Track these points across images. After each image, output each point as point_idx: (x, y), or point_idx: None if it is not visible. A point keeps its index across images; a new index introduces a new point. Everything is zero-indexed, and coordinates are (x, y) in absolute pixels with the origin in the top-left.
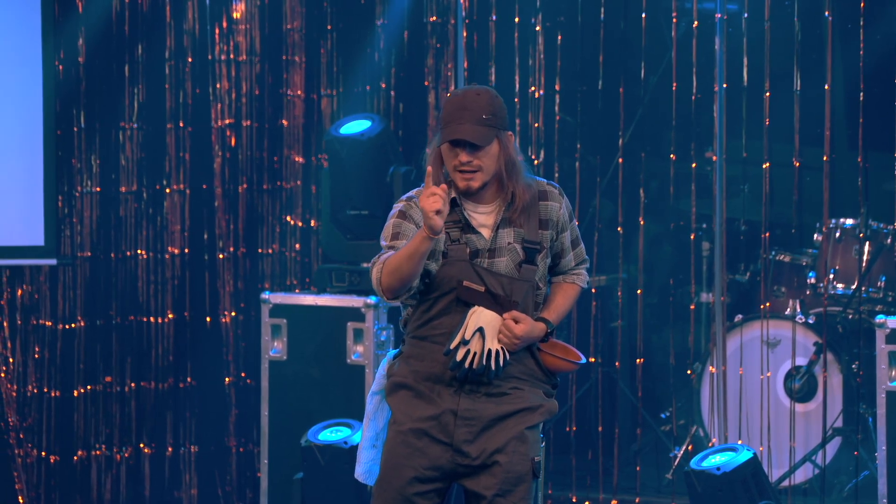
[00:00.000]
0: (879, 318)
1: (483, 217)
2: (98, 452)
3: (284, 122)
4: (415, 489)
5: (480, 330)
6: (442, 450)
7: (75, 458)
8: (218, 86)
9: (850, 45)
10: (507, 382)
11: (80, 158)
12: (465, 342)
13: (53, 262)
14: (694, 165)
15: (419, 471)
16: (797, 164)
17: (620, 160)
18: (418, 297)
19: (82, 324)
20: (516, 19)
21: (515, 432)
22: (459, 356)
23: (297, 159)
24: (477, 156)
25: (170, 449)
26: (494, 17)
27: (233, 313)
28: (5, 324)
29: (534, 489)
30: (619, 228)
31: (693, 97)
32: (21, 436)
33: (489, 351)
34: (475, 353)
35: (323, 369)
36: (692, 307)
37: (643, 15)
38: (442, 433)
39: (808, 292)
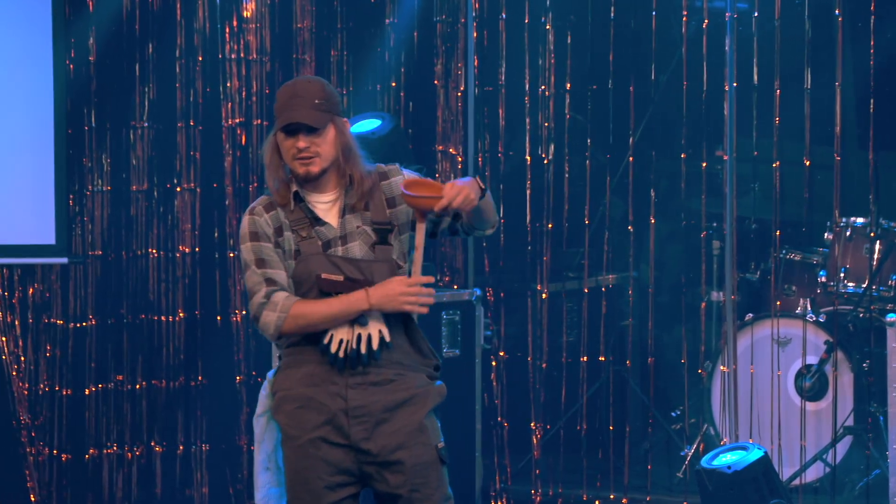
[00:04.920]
0: (890, 317)
1: (327, 207)
2: (109, 451)
3: None
4: (329, 498)
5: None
6: (343, 452)
7: (87, 456)
8: (228, 84)
9: (860, 44)
10: (390, 369)
11: (90, 157)
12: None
13: (65, 260)
14: (704, 164)
15: (326, 479)
16: (807, 163)
17: (631, 159)
18: None
19: (93, 322)
20: (526, 19)
21: (413, 425)
22: (334, 348)
23: None
24: (314, 141)
25: (181, 447)
26: (504, 16)
27: (243, 312)
28: (17, 322)
29: (446, 475)
30: (629, 227)
31: (703, 96)
32: (32, 434)
33: (359, 335)
34: (344, 340)
35: None
36: (703, 306)
37: (653, 13)
38: (339, 436)
39: (818, 291)
